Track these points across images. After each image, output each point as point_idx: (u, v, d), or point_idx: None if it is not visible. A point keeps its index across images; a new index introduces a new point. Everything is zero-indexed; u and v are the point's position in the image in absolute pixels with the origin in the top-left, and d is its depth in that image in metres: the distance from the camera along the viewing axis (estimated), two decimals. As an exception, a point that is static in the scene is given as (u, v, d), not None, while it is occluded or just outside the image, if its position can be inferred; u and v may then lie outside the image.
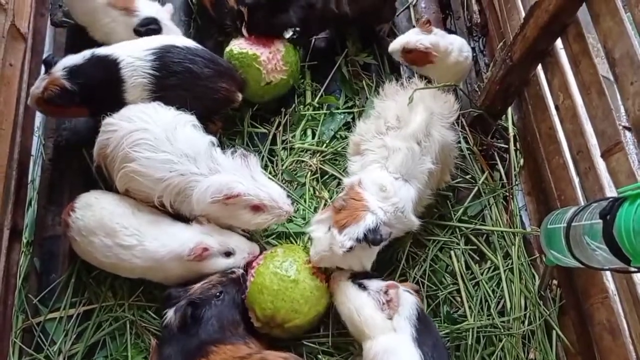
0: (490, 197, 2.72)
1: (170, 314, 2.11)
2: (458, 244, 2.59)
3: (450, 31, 3.36)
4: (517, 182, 2.82)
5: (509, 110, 2.93)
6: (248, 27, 2.75)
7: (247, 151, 2.35)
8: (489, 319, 2.42)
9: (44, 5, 3.13)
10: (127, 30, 2.70)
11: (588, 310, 2.21)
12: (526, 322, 2.44)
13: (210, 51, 2.62)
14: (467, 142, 2.82)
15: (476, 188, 2.73)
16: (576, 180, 2.32)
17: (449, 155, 2.51)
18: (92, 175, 2.56)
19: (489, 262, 2.59)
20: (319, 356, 2.32)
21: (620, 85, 1.85)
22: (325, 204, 2.60)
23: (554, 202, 2.45)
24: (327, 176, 2.74)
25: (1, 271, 2.33)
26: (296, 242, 2.52)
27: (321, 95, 2.99)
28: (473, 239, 2.62)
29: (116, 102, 2.42)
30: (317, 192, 2.68)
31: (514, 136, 2.91)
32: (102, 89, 2.45)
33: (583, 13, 2.14)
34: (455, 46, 2.78)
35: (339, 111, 2.94)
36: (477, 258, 2.60)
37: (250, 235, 2.47)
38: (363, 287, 2.15)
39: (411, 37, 2.74)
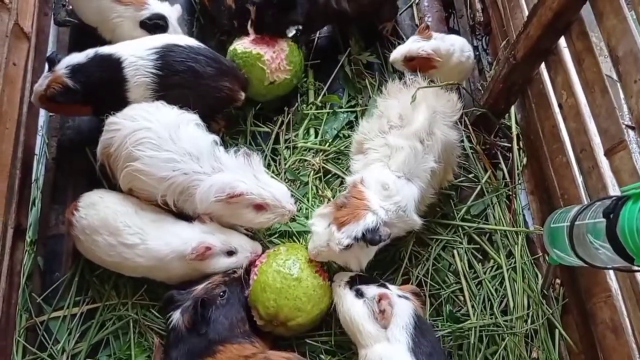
0: (493, 196, 2.72)
1: (176, 316, 2.11)
2: (461, 243, 2.59)
3: (453, 30, 3.37)
4: (520, 181, 2.81)
5: (512, 108, 2.92)
6: (256, 27, 2.74)
7: (250, 150, 2.35)
8: (491, 318, 2.42)
9: (48, 5, 3.14)
10: (134, 25, 2.71)
11: (591, 309, 2.21)
12: (529, 321, 2.43)
13: (213, 50, 2.62)
14: (470, 141, 2.82)
15: (479, 187, 2.73)
16: (579, 178, 2.32)
17: (452, 154, 2.51)
18: (95, 175, 2.57)
19: (491, 261, 2.58)
20: (321, 355, 2.32)
21: (623, 83, 1.84)
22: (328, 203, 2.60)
23: (557, 201, 2.45)
24: (330, 175, 2.74)
25: (5, 270, 2.34)
26: (299, 240, 2.53)
27: (324, 94, 2.99)
28: (476, 238, 2.62)
29: (119, 101, 2.43)
30: (320, 191, 2.68)
31: (517, 135, 2.90)
32: (105, 87, 2.46)
33: (587, 11, 2.14)
34: (456, 47, 2.77)
35: (342, 110, 2.94)
36: (480, 257, 2.60)
37: (253, 234, 2.48)
38: (360, 294, 2.13)
39: (412, 45, 2.72)
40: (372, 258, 2.25)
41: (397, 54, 2.75)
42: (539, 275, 2.54)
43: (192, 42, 2.57)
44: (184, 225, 2.30)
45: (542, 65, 2.55)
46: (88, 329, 2.38)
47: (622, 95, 1.91)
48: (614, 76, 1.94)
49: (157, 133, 2.23)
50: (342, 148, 2.79)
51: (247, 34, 2.79)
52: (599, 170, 2.10)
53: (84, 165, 2.67)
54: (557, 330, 2.43)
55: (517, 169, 2.82)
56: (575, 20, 2.22)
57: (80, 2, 2.83)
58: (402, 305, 2.10)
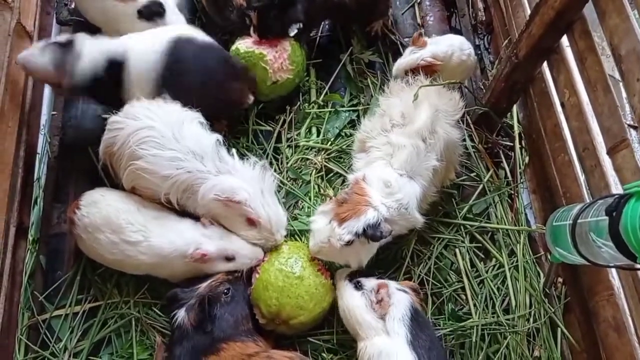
0: (495, 195, 2.72)
1: (181, 314, 2.11)
2: (463, 242, 2.59)
3: (454, 29, 3.37)
4: (522, 180, 2.81)
5: (514, 107, 2.92)
6: (259, 31, 2.74)
7: (254, 152, 2.34)
8: (493, 317, 2.42)
9: (50, 4, 3.15)
10: (131, 18, 2.67)
11: (593, 307, 2.20)
12: (531, 320, 2.43)
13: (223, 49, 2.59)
14: (472, 140, 2.82)
15: (481, 186, 2.73)
16: (582, 177, 2.32)
17: (454, 152, 2.51)
18: (97, 173, 2.58)
19: (493, 259, 2.58)
20: (323, 354, 2.32)
21: (626, 82, 1.84)
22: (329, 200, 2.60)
23: (560, 200, 2.45)
24: (332, 174, 2.74)
25: (7, 268, 2.35)
26: (301, 239, 2.53)
27: (326, 93, 2.99)
28: (478, 236, 2.62)
29: (122, 97, 2.41)
30: (322, 190, 2.68)
31: (519, 134, 2.90)
32: (109, 82, 2.43)
33: (589, 10, 2.14)
34: (455, 46, 2.76)
35: (344, 109, 2.94)
36: (482, 256, 2.60)
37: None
38: (359, 286, 2.15)
39: (410, 57, 2.70)
40: (374, 256, 2.25)
41: (399, 69, 2.73)
42: (541, 274, 2.55)
43: (203, 37, 2.55)
44: (186, 224, 2.30)
45: (545, 64, 2.54)
46: (90, 328, 2.38)
47: (624, 94, 1.91)
48: (617, 75, 1.94)
49: (161, 132, 2.23)
50: (344, 147, 2.79)
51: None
52: (601, 168, 2.09)
53: (85, 164, 2.67)
54: (559, 329, 2.43)
55: (519, 168, 2.82)
56: (577, 19, 2.21)
57: (85, 2, 2.83)
58: (400, 297, 2.11)
